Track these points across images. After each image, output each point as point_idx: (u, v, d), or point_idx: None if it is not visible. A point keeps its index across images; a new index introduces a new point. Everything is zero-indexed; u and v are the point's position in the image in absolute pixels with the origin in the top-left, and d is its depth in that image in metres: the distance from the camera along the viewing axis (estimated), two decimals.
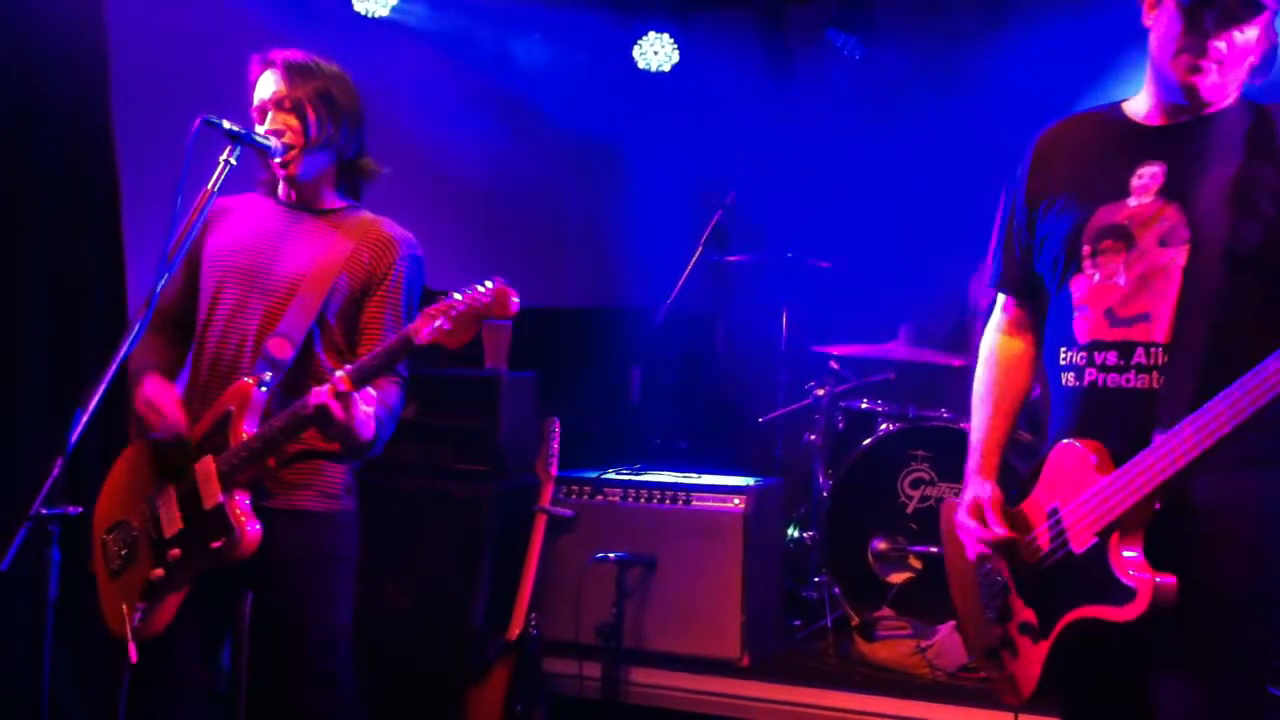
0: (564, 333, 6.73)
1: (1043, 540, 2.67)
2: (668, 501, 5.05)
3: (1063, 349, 2.71)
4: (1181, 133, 2.64)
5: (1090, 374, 2.64)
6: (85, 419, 2.90)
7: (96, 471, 4.45)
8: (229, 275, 3.29)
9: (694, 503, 5.03)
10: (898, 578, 5.27)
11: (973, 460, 2.89)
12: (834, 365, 6.00)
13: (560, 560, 5.02)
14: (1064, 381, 2.70)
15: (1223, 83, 2.59)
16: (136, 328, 2.96)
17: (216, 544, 3.09)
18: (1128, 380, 2.58)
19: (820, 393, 5.87)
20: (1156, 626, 2.44)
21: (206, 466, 3.14)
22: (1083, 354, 2.66)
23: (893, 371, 6.08)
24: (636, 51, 7.34)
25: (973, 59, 6.88)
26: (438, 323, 2.93)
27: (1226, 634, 2.52)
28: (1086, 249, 2.67)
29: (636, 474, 5.26)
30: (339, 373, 3.00)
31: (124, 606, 3.17)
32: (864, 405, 5.86)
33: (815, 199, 7.20)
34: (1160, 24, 2.62)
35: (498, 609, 4.88)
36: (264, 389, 3.12)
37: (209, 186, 3.12)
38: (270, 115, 3.28)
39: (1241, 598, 2.51)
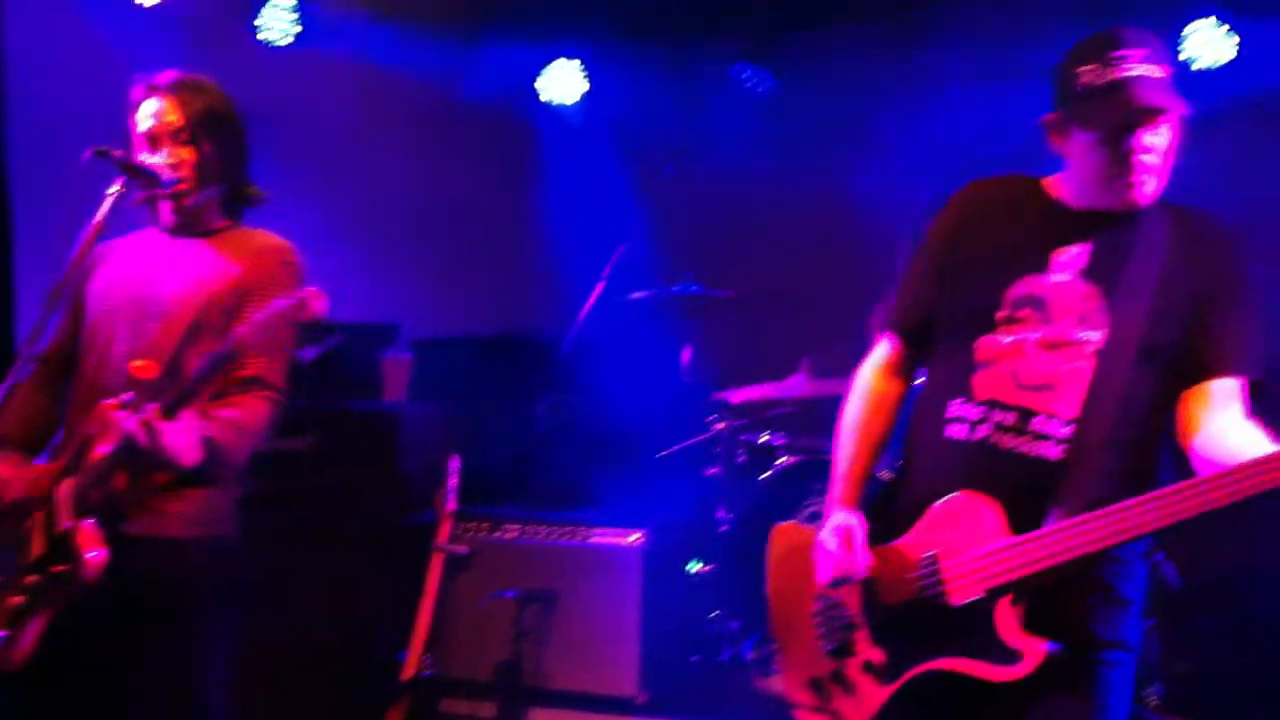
0: (468, 364, 6.70)
1: (911, 584, 2.68)
2: (566, 537, 5.04)
3: (955, 400, 2.73)
4: (1106, 220, 2.69)
5: (984, 430, 2.66)
6: None
7: None
8: (109, 310, 3.24)
9: (593, 538, 5.03)
10: None
11: (837, 490, 2.89)
12: (734, 399, 6.02)
13: (458, 597, 4.98)
14: (946, 432, 2.72)
15: (1157, 189, 2.66)
16: (21, 363, 2.92)
17: (60, 569, 3.01)
18: (1022, 445, 2.62)
19: (720, 426, 5.90)
20: (1028, 687, 2.49)
21: (65, 489, 3.07)
22: (979, 409, 2.68)
23: (793, 405, 6.12)
24: (541, 82, 7.36)
25: (877, 97, 6.99)
26: (243, 328, 2.89)
27: (1097, 698, 2.59)
28: (1002, 314, 2.70)
29: (535, 509, 5.24)
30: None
31: None
32: (764, 439, 5.90)
33: (720, 232, 7.25)
34: (1079, 151, 2.67)
35: (395, 647, 4.82)
36: (123, 410, 2.98)
37: (97, 218, 3.08)
38: (165, 149, 3.23)
39: (1109, 648, 2.61)
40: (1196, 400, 2.59)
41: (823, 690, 2.84)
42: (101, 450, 3.01)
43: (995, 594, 2.53)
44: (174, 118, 3.24)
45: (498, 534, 5.10)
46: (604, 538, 5.02)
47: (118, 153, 3.15)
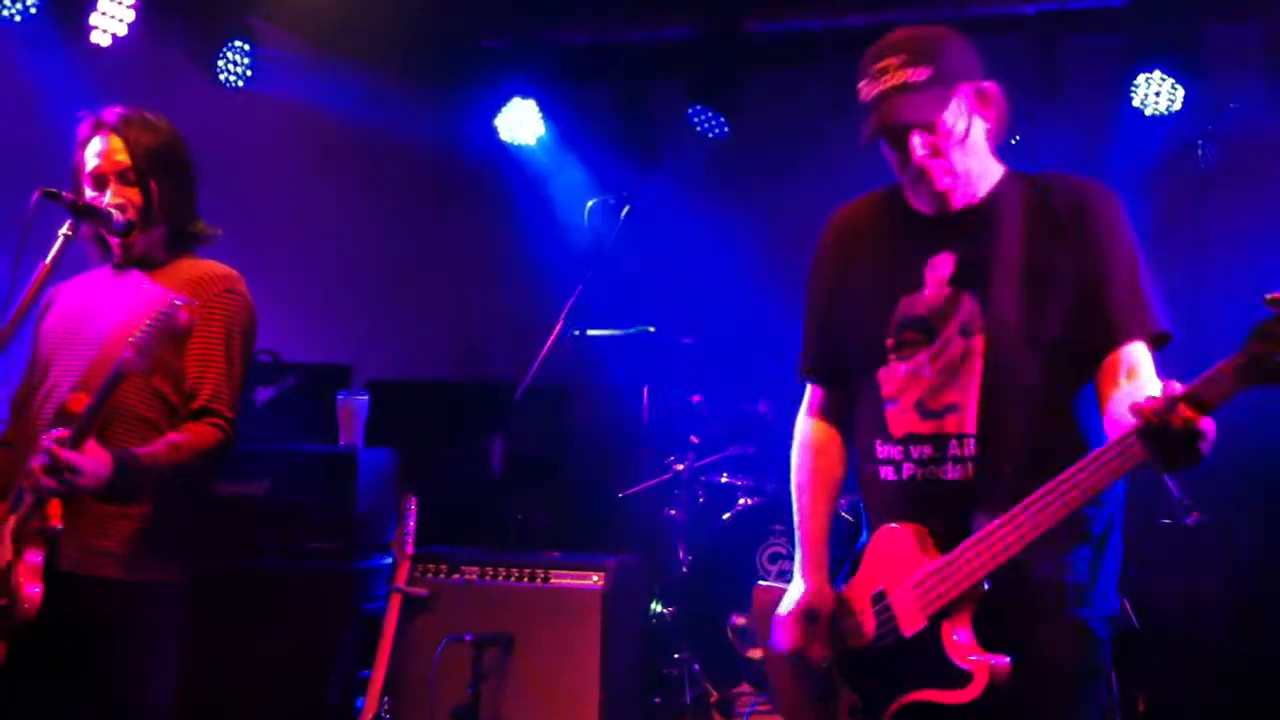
0: (424, 405, 6.66)
1: (869, 625, 2.67)
2: (526, 579, 4.99)
3: (878, 441, 2.72)
4: (963, 220, 2.68)
5: (908, 468, 2.66)
6: None
7: None
8: (54, 352, 3.24)
9: (552, 580, 4.98)
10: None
11: (801, 554, 2.87)
12: (694, 440, 6.02)
13: (416, 640, 4.91)
14: (881, 475, 2.71)
15: (966, 176, 2.65)
16: None
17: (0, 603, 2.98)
18: (944, 472, 2.60)
19: (680, 467, 5.89)
20: (994, 707, 2.46)
21: (8, 527, 3.05)
22: (898, 448, 2.67)
23: (753, 446, 6.12)
24: (500, 121, 7.37)
25: (829, 138, 7.04)
26: (126, 353, 2.88)
27: (1064, 711, 2.56)
28: (890, 341, 2.70)
29: (494, 551, 5.20)
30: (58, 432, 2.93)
31: None
32: (724, 479, 5.89)
33: (678, 274, 7.27)
34: (888, 159, 2.70)
35: (352, 692, 4.76)
36: (56, 444, 2.95)
37: (47, 261, 3.05)
38: (112, 188, 3.20)
39: (1068, 670, 2.57)
40: (1104, 375, 2.54)
41: None
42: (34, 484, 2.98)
43: (937, 619, 2.52)
44: (122, 157, 3.22)
45: (456, 576, 5.04)
46: (564, 579, 4.96)
47: (67, 194, 3.15)
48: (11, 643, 3.03)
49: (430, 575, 5.03)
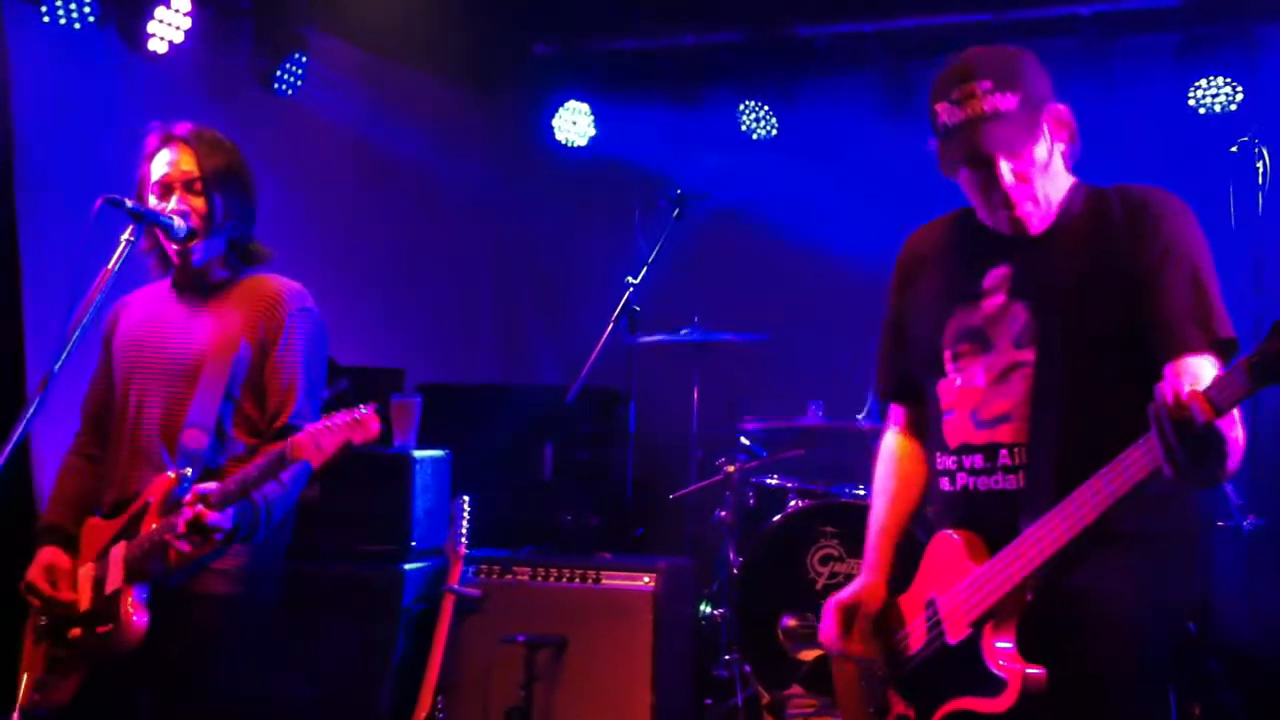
0: (475, 410, 6.70)
1: (918, 633, 2.69)
2: (577, 580, 5.02)
3: (938, 453, 2.75)
4: (1027, 237, 2.68)
5: (962, 478, 2.67)
6: None
7: None
8: (133, 368, 3.29)
9: (604, 581, 5.00)
10: (808, 655, 5.26)
11: (866, 556, 2.91)
12: (744, 441, 6.02)
13: (468, 641, 4.95)
14: (941, 486, 2.74)
15: (1045, 204, 2.65)
16: (32, 410, 2.93)
17: (103, 629, 3.06)
18: (996, 482, 2.61)
19: (730, 469, 5.89)
20: (1032, 718, 2.45)
21: (117, 552, 3.12)
22: (953, 458, 2.69)
23: (803, 448, 6.12)
24: (554, 123, 7.40)
25: (880, 140, 7.03)
26: (307, 449, 2.90)
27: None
28: (947, 353, 2.72)
29: (546, 552, 5.23)
30: (203, 491, 2.97)
31: (26, 676, 3.18)
32: (774, 481, 5.89)
33: (727, 275, 7.27)
34: (962, 184, 2.69)
35: (405, 692, 4.80)
36: (185, 485, 3.07)
37: (109, 266, 3.10)
38: (177, 196, 3.25)
39: (1116, 684, 2.52)
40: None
41: None
42: (157, 526, 3.05)
43: (978, 625, 2.52)
44: (190, 167, 3.27)
45: (508, 577, 5.08)
46: (615, 581, 4.99)
47: (129, 201, 3.19)
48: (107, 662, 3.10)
49: (483, 576, 5.07)
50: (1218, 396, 2.12)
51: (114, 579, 3.09)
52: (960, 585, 2.57)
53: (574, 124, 7.44)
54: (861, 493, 5.61)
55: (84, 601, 3.15)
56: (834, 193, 7.12)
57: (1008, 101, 2.56)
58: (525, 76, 7.45)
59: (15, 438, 2.94)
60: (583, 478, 6.92)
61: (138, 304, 3.40)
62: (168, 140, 3.30)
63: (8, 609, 3.44)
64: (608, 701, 4.91)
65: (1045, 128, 2.62)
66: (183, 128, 3.32)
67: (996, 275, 2.68)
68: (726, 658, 5.63)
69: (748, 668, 5.42)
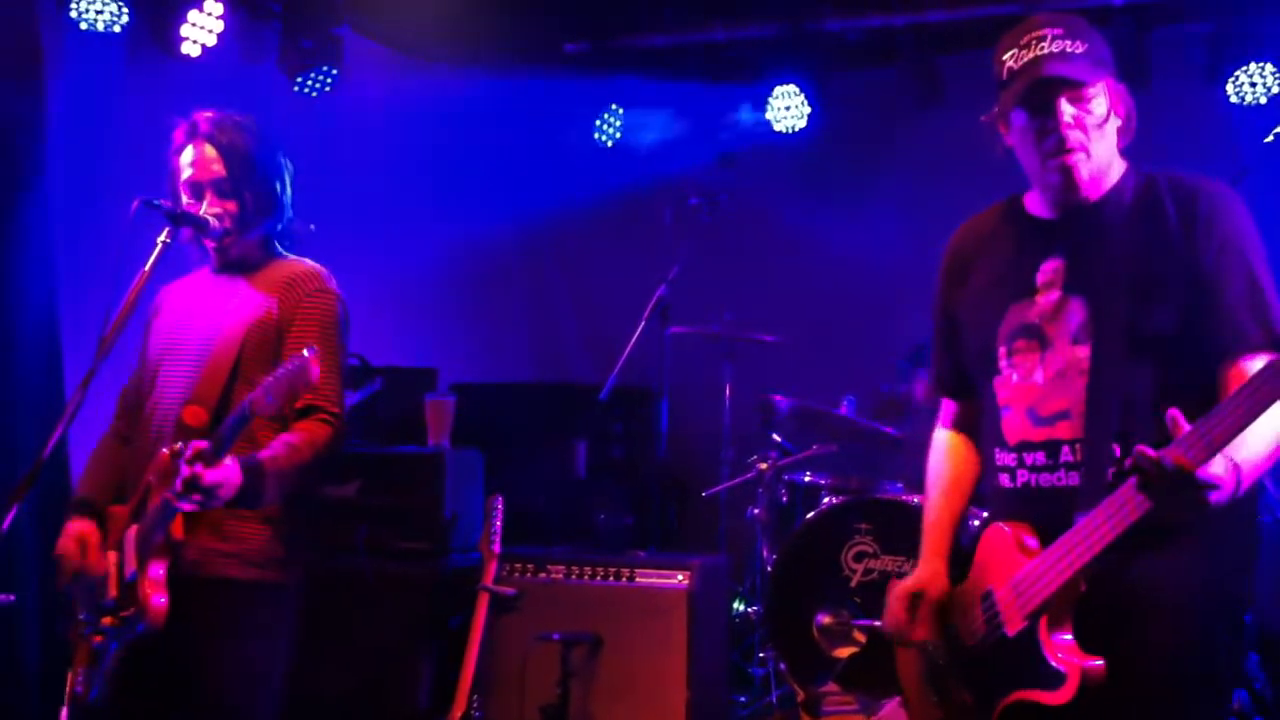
0: (508, 408, 6.72)
1: (977, 624, 2.69)
2: (612, 578, 5.02)
3: (996, 449, 2.74)
4: (1076, 223, 2.67)
5: (1023, 475, 2.67)
6: (17, 505, 2.89)
7: (32, 557, 4.39)
8: (163, 356, 3.30)
9: (638, 579, 5.00)
10: (843, 652, 5.26)
11: (924, 546, 2.91)
12: (777, 439, 6.02)
13: (504, 639, 4.96)
14: (1000, 482, 2.74)
15: (1097, 165, 2.64)
16: (72, 411, 2.96)
17: (126, 613, 3.07)
18: (1059, 479, 2.61)
19: (763, 466, 5.88)
20: (1094, 709, 2.44)
21: (131, 535, 3.14)
22: (1013, 455, 2.69)
23: (836, 444, 6.10)
24: (586, 119, 7.39)
25: (911, 134, 7.00)
26: (255, 394, 2.88)
27: (1163, 713, 2.53)
28: (1002, 349, 2.71)
29: (580, 551, 5.23)
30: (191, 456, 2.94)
31: (72, 673, 3.20)
32: (807, 478, 5.88)
33: (759, 272, 7.26)
34: (1016, 138, 2.69)
35: (442, 690, 4.81)
36: (178, 459, 3.01)
37: (146, 268, 3.13)
38: (208, 199, 3.27)
39: (1175, 675, 2.52)
40: (1226, 387, 2.49)
41: None
42: (158, 500, 3.06)
43: (1034, 617, 2.52)
44: (217, 168, 3.27)
45: (543, 575, 5.09)
46: (650, 579, 4.99)
47: (165, 203, 3.21)
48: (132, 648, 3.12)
49: (517, 574, 5.08)
50: (1194, 447, 2.20)
51: (130, 562, 3.11)
52: (1015, 578, 2.57)
53: (605, 122, 7.45)
54: (892, 490, 5.60)
55: (112, 589, 3.17)
56: (865, 187, 7.09)
57: (1075, 46, 2.60)
58: (556, 75, 7.45)
59: (55, 439, 2.97)
60: (616, 476, 6.93)
61: (176, 295, 3.41)
62: (192, 135, 3.29)
63: (48, 604, 3.46)
64: (643, 699, 4.91)
65: (1106, 90, 2.63)
66: (204, 120, 3.30)
67: (1050, 269, 2.67)
68: (761, 655, 5.63)
69: (782, 665, 5.40)
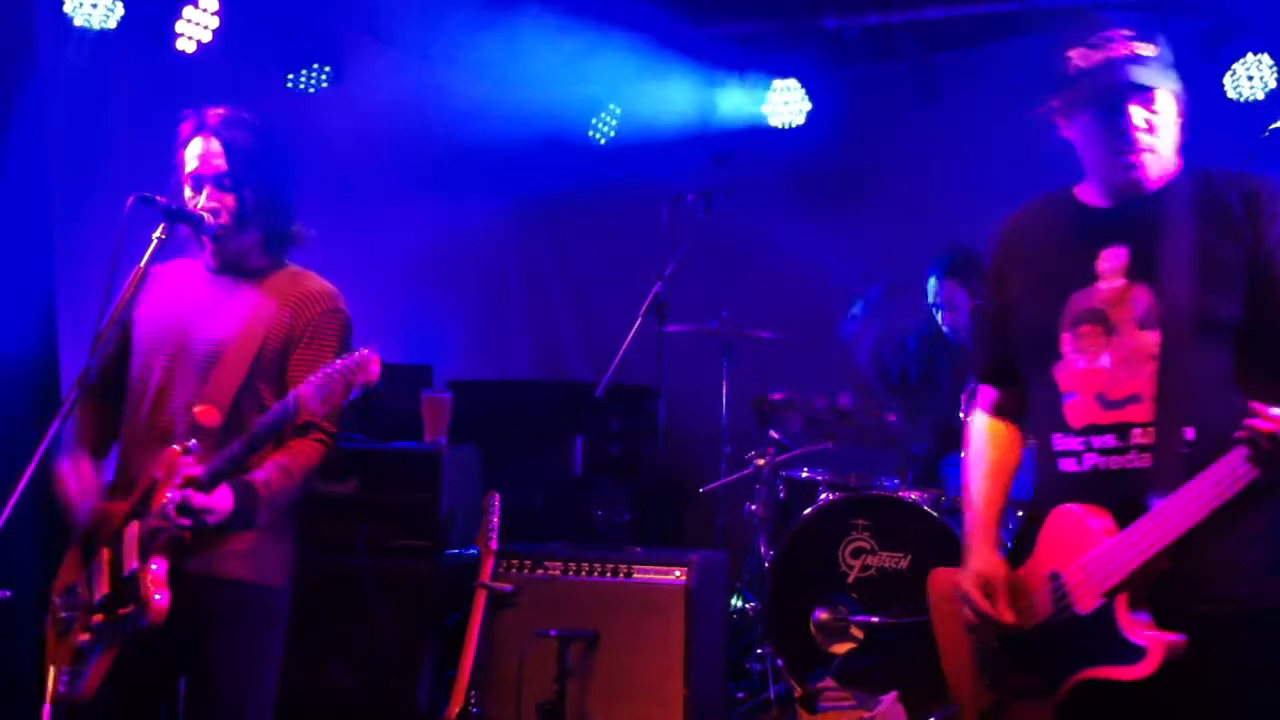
0: (505, 405, 6.71)
1: (1043, 604, 2.73)
2: (609, 574, 5.01)
3: (1056, 434, 2.78)
4: (1136, 213, 2.73)
5: (1090, 458, 2.71)
6: (14, 500, 2.88)
7: (29, 552, 4.39)
8: (158, 344, 3.27)
9: (636, 575, 5.00)
10: (840, 648, 5.26)
11: (972, 533, 2.96)
12: (774, 435, 6.02)
13: (501, 636, 4.96)
14: (1060, 466, 2.77)
15: (1162, 163, 2.72)
16: (68, 407, 2.95)
17: (125, 610, 3.05)
18: (1130, 461, 2.66)
19: (761, 462, 5.88)
20: (1169, 685, 2.51)
21: (131, 532, 3.11)
22: (1079, 439, 2.73)
23: (833, 441, 6.10)
24: (584, 116, 7.38)
25: (909, 128, 7.00)
26: (314, 403, 2.90)
27: (1238, 698, 2.58)
28: (1066, 335, 2.76)
29: (577, 547, 5.23)
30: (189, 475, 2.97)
31: (53, 670, 3.17)
32: (804, 474, 5.88)
33: (756, 268, 7.26)
34: (1079, 133, 2.76)
35: (439, 686, 4.81)
36: (189, 456, 3.04)
37: (141, 264, 3.12)
38: (207, 192, 3.26)
39: (1250, 661, 2.58)
40: None
41: None
42: (170, 496, 3.03)
43: (1112, 594, 2.57)
44: (219, 162, 3.26)
45: (540, 572, 5.08)
46: (647, 575, 4.99)
47: (160, 199, 3.19)
48: (136, 642, 3.11)
49: (515, 571, 5.08)
50: None
51: (130, 559, 3.08)
52: (1088, 557, 2.62)
53: (603, 118, 7.44)
54: (889, 486, 5.60)
55: (104, 585, 3.14)
56: (863, 185, 7.09)
57: (1148, 49, 2.68)
58: (555, 70, 7.44)
59: (51, 434, 2.97)
60: (613, 472, 6.93)
61: (167, 279, 3.37)
62: (199, 129, 3.29)
63: (43, 601, 3.45)
64: (640, 695, 4.91)
65: (1175, 88, 2.71)
66: (213, 115, 3.30)
67: (1112, 256, 2.73)
68: (759, 651, 5.63)
69: (780, 661, 5.41)
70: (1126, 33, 2.68)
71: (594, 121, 7.46)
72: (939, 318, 5.95)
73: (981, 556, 2.90)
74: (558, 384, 7.53)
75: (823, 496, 5.63)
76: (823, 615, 5.33)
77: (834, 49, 7.05)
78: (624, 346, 5.77)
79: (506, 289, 7.97)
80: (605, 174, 7.66)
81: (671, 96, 7.48)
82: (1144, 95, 2.66)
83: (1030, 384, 2.88)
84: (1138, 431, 2.64)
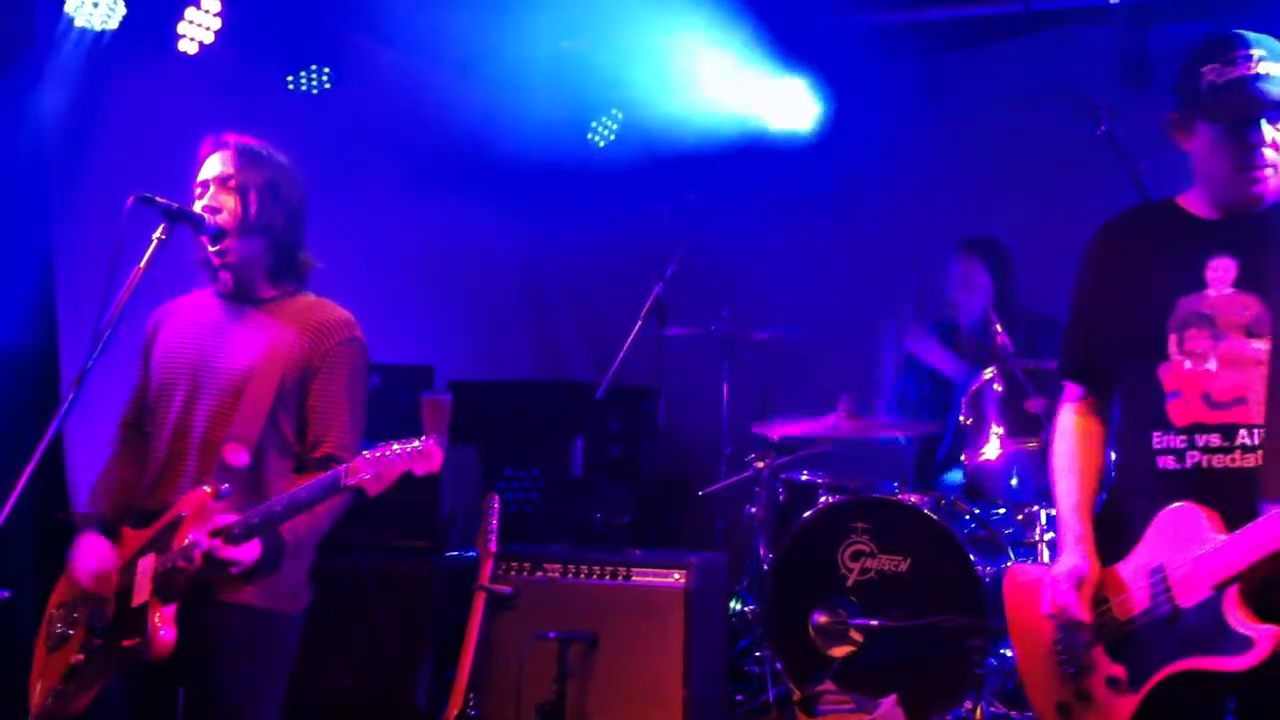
0: (506, 406, 6.71)
1: (1140, 598, 2.81)
2: (608, 577, 5.01)
3: (1156, 433, 2.86)
4: (1245, 225, 2.84)
5: (1193, 456, 2.80)
6: (13, 499, 2.88)
7: (29, 551, 4.39)
8: (175, 374, 3.27)
9: (635, 578, 5.00)
10: (839, 651, 5.26)
11: (1069, 530, 3.01)
12: (774, 438, 6.01)
13: (500, 638, 4.95)
14: (1159, 464, 2.84)
15: (1277, 179, 2.81)
16: (67, 406, 2.95)
17: (129, 643, 3.04)
18: (1234, 460, 2.76)
19: (760, 465, 5.88)
20: (1270, 677, 2.58)
21: (146, 565, 3.09)
22: (1182, 437, 2.82)
23: (833, 443, 6.10)
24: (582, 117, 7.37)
25: (915, 128, 7.00)
26: (365, 476, 2.91)
27: None
28: (1173, 338, 2.85)
29: (577, 549, 5.23)
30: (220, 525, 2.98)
31: (40, 684, 3.16)
32: (804, 477, 5.87)
33: (757, 269, 7.26)
34: (1203, 146, 2.85)
35: (439, 688, 4.81)
36: (220, 500, 3.06)
37: (141, 264, 3.11)
38: (210, 191, 3.26)
39: None
40: None
41: (1070, 712, 2.97)
42: (193, 537, 3.02)
43: (1222, 589, 2.64)
44: (226, 167, 3.27)
45: (540, 574, 5.08)
46: (647, 577, 4.99)
47: (160, 199, 3.19)
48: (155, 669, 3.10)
49: (514, 573, 5.08)
50: None
51: (141, 592, 3.07)
52: (1200, 552, 2.69)
53: (604, 121, 7.43)
54: (889, 488, 5.60)
55: (109, 612, 3.13)
56: (867, 185, 7.09)
57: (1276, 68, 2.77)
58: (555, 71, 7.43)
59: (50, 434, 2.97)
60: (613, 474, 6.93)
61: (180, 312, 3.38)
62: (218, 146, 3.33)
63: (42, 603, 3.45)
64: (639, 697, 4.91)
65: None
66: (231, 136, 3.34)
67: (1220, 265, 2.84)
68: (758, 654, 5.63)
69: (779, 664, 5.40)
70: (1260, 52, 2.78)
71: (594, 125, 7.45)
72: (955, 300, 5.99)
73: (1078, 555, 2.95)
74: (558, 385, 7.53)
75: (822, 499, 5.62)
76: (822, 618, 5.32)
77: (842, 47, 7.04)
78: (625, 347, 5.78)
79: (507, 290, 7.96)
80: (606, 174, 7.66)
81: (673, 96, 7.48)
82: (1275, 113, 2.76)
83: (1126, 383, 2.97)
84: (1243, 432, 2.74)
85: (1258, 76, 2.76)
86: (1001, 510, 5.53)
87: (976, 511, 5.42)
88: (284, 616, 3.24)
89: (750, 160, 7.31)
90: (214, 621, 3.10)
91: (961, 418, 5.55)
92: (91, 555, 3.20)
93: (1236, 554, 2.63)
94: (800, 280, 7.12)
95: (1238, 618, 2.62)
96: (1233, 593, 2.63)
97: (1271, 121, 2.77)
